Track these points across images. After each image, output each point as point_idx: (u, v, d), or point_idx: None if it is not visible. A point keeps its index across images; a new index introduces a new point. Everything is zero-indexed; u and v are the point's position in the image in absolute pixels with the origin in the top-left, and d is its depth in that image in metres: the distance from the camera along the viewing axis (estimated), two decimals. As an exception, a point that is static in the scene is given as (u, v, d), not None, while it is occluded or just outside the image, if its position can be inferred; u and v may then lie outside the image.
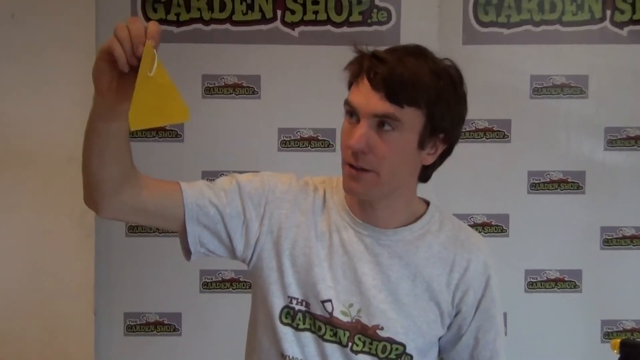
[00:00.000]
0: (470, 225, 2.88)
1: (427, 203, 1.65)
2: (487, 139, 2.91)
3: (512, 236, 2.94)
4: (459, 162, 2.90)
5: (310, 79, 2.85)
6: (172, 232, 1.58)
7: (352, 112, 1.48)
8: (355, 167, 1.47)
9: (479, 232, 2.93)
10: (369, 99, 1.44)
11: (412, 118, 1.46)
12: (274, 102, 2.89)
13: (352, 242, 1.57)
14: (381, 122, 1.45)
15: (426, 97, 1.45)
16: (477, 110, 2.88)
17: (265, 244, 1.58)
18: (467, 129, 2.88)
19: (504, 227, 2.94)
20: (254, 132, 2.90)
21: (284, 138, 2.89)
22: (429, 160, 1.55)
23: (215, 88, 2.87)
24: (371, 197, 1.55)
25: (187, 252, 1.58)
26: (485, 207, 2.93)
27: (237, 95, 2.88)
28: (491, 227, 2.93)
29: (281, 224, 1.59)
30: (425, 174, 1.59)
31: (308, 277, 1.56)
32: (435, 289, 1.56)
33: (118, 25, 1.29)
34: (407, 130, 1.46)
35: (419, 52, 1.49)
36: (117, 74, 1.32)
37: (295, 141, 2.89)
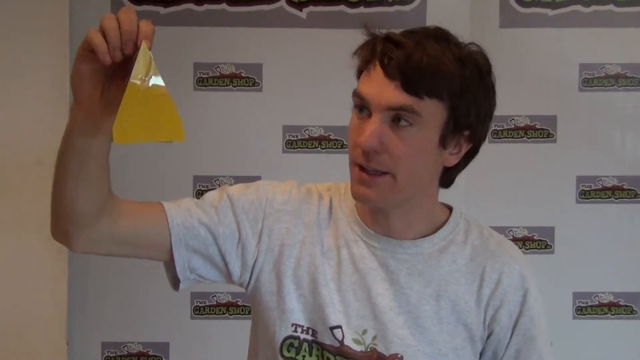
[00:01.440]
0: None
1: (450, 209, 1.65)
2: (528, 138, 2.91)
3: (558, 253, 2.94)
4: (494, 166, 2.94)
5: (320, 68, 2.84)
6: (158, 261, 1.58)
7: (362, 106, 1.47)
8: (367, 169, 1.47)
9: (519, 247, 2.93)
10: (383, 89, 1.43)
11: (432, 111, 1.45)
12: (278, 95, 2.89)
13: (364, 257, 1.57)
14: (397, 116, 1.43)
15: (449, 87, 1.44)
16: (517, 105, 2.89)
17: (265, 264, 1.57)
18: (505, 127, 2.88)
19: (549, 242, 2.94)
20: (255, 131, 2.89)
21: (290, 137, 2.89)
22: (452, 161, 1.54)
23: (209, 79, 2.87)
24: (385, 205, 1.53)
25: (175, 281, 1.57)
26: (526, 218, 2.93)
27: (234, 87, 2.88)
28: (533, 242, 2.93)
29: (283, 240, 1.57)
30: (447, 178, 1.58)
31: (314, 301, 1.55)
32: (462, 309, 1.54)
33: (106, 15, 1.26)
34: (427, 125, 1.45)
35: (440, 36, 1.47)
36: (101, 80, 1.30)
37: (302, 141, 2.89)
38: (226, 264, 1.57)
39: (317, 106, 2.86)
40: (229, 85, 2.88)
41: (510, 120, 2.89)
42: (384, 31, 1.49)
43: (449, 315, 1.55)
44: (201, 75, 2.88)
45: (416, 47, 1.43)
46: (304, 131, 2.89)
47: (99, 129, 1.35)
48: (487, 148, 2.86)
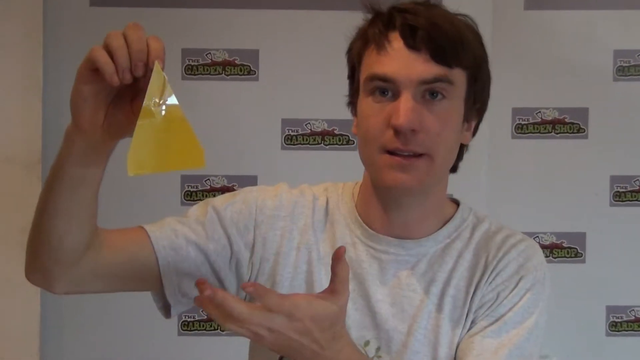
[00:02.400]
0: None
1: (457, 204, 1.65)
2: (556, 133, 2.91)
3: (590, 261, 2.94)
4: (518, 164, 2.94)
5: (323, 54, 2.83)
6: (148, 291, 1.57)
7: (384, 88, 1.47)
8: (404, 152, 1.47)
9: (547, 256, 2.92)
10: (410, 64, 1.45)
11: (460, 82, 1.49)
12: (277, 85, 2.89)
13: (362, 261, 1.57)
14: (430, 89, 1.45)
15: (473, 55, 1.49)
16: (544, 96, 2.88)
17: (259, 276, 1.57)
18: (531, 121, 2.87)
19: (579, 250, 2.94)
20: (250, 125, 2.89)
21: (290, 132, 2.90)
22: (468, 138, 1.57)
23: (199, 66, 2.88)
24: (419, 191, 1.53)
25: (166, 308, 1.57)
26: (554, 223, 2.93)
27: (227, 75, 2.88)
28: (562, 249, 2.93)
29: (278, 248, 1.58)
30: (458, 159, 1.60)
31: None
32: (465, 304, 1.54)
33: (110, 32, 1.24)
34: (457, 97, 1.49)
35: (438, 5, 1.52)
36: (105, 101, 1.28)
37: (303, 136, 2.89)
38: (221, 282, 1.57)
39: (320, 97, 2.86)
40: (222, 73, 2.88)
41: (537, 113, 2.88)
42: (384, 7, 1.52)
43: (450, 313, 1.54)
44: (190, 63, 2.88)
45: (434, 16, 1.46)
46: (305, 125, 2.89)
47: (99, 154, 1.33)
48: (511, 144, 2.88)
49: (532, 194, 2.92)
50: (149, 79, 1.23)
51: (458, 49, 1.45)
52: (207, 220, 1.57)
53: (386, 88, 1.46)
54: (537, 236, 2.90)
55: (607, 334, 2.94)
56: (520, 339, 1.51)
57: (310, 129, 2.88)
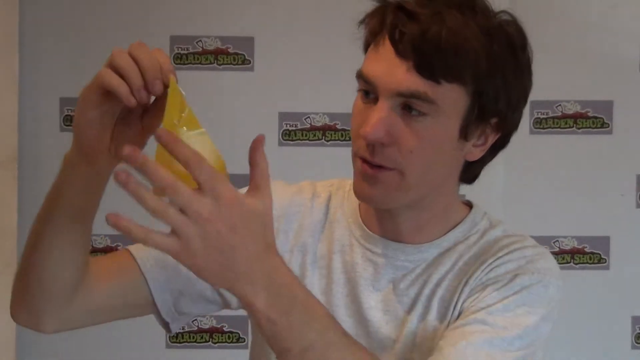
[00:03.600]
0: (554, 253, 2.87)
1: (470, 206, 1.64)
2: (578, 128, 2.91)
3: (614, 268, 2.94)
4: (536, 162, 2.94)
5: (324, 43, 2.84)
6: (145, 315, 1.58)
7: (367, 90, 1.46)
8: (371, 163, 1.46)
9: (567, 262, 2.93)
10: (392, 70, 1.43)
11: (452, 98, 1.44)
12: (273, 75, 2.89)
13: (357, 264, 1.57)
14: (407, 104, 1.44)
15: (473, 68, 1.42)
16: (565, 88, 2.89)
17: None
18: (551, 115, 2.88)
19: (602, 256, 2.94)
20: (245, 119, 2.90)
21: (288, 127, 2.90)
22: (476, 154, 1.53)
23: (189, 55, 2.88)
24: (392, 206, 1.53)
25: (166, 324, 1.59)
26: (576, 226, 2.93)
27: (220, 65, 2.89)
28: (584, 255, 2.93)
29: None
30: (470, 173, 1.57)
31: None
32: (450, 304, 1.55)
33: (114, 51, 1.24)
34: (444, 115, 1.44)
35: (465, 3, 1.45)
36: (111, 122, 1.29)
37: (303, 131, 2.90)
38: (220, 294, 1.58)
39: (320, 89, 2.87)
40: (214, 62, 2.89)
41: (557, 107, 2.89)
42: None
43: (438, 314, 1.54)
44: (180, 51, 2.89)
45: (433, 19, 1.41)
46: (305, 119, 2.89)
47: (103, 179, 1.34)
48: (529, 140, 2.88)
49: (551, 194, 2.92)
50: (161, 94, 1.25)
51: (450, 63, 1.41)
52: None
53: (369, 90, 1.46)
54: (557, 240, 2.91)
55: (633, 347, 2.95)
56: (511, 335, 1.45)
57: (310, 124, 2.89)
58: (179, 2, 2.86)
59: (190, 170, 1.14)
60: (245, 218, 1.18)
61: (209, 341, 2.88)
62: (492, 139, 1.52)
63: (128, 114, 1.30)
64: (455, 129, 1.46)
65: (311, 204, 1.63)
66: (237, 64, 2.88)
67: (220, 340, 2.88)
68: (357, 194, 1.51)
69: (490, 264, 1.52)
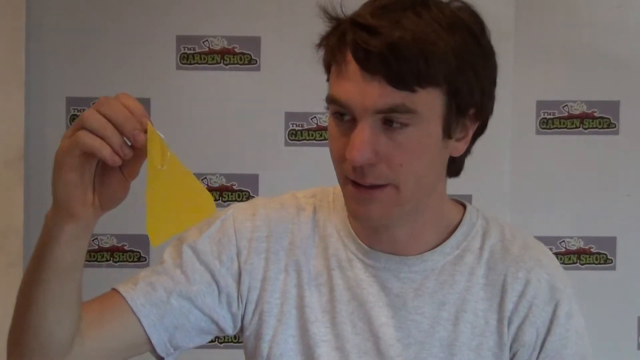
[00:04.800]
0: (560, 254, 2.88)
1: (464, 206, 1.64)
2: (584, 129, 2.90)
3: (621, 269, 2.94)
4: (542, 163, 2.93)
5: (330, 42, 2.84)
6: (143, 354, 1.57)
7: (341, 112, 1.45)
8: (364, 185, 1.45)
9: (574, 262, 2.93)
10: (364, 89, 1.41)
11: (429, 102, 1.43)
12: (280, 75, 2.89)
13: (361, 281, 1.57)
14: (387, 118, 1.42)
15: (444, 67, 1.41)
16: (571, 88, 2.88)
17: (247, 307, 1.58)
18: (557, 115, 2.86)
19: (609, 256, 2.94)
20: (251, 119, 2.89)
21: (294, 127, 2.90)
22: (460, 148, 1.53)
23: (195, 55, 2.88)
24: (391, 221, 1.52)
25: (160, 357, 1.58)
26: (582, 227, 2.93)
27: (226, 65, 2.89)
28: (591, 255, 2.93)
29: (264, 273, 1.58)
30: (455, 166, 1.57)
31: (303, 341, 1.56)
32: (483, 331, 1.54)
33: (83, 114, 1.25)
34: (425, 120, 1.43)
35: (416, 3, 1.44)
36: (91, 178, 1.30)
37: (309, 131, 2.90)
38: (216, 323, 1.57)
39: (326, 89, 2.85)
40: (220, 62, 2.89)
41: (563, 107, 2.88)
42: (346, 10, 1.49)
43: (469, 340, 1.54)
44: (186, 51, 2.88)
45: (394, 29, 1.40)
46: (311, 119, 2.89)
47: (89, 232, 1.35)
48: (535, 141, 2.88)
49: (557, 194, 2.92)
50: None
51: (421, 70, 1.40)
52: (183, 262, 1.56)
53: (343, 112, 1.44)
54: (564, 241, 2.91)
55: (639, 347, 2.95)
56: None
57: (317, 124, 2.89)
58: (185, 2, 2.86)
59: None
60: None
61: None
62: (472, 129, 1.53)
63: (105, 165, 1.30)
64: (438, 130, 1.46)
65: (298, 219, 1.62)
66: (243, 64, 2.88)
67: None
68: (355, 216, 1.52)
69: (521, 294, 1.56)
